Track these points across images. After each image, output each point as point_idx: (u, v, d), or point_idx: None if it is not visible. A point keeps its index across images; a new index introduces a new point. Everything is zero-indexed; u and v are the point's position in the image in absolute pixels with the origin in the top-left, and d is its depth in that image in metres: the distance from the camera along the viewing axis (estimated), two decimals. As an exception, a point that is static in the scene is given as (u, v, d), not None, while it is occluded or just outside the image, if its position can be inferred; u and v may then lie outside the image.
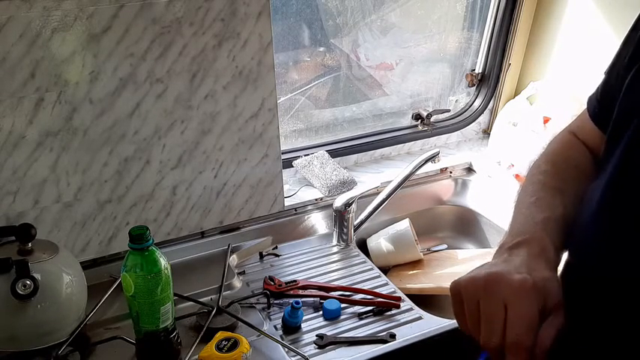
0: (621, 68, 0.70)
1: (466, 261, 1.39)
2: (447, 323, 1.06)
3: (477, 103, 1.73)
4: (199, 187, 1.24)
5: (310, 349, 1.03)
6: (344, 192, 1.38)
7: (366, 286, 1.20)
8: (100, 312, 1.08)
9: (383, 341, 1.04)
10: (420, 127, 1.66)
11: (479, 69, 1.71)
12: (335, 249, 1.34)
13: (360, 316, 1.11)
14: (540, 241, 0.65)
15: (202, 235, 1.30)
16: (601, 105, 0.77)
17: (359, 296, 1.16)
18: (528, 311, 0.57)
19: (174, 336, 0.98)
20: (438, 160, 1.50)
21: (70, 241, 1.15)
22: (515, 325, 0.57)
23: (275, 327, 1.08)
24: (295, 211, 1.39)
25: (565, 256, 0.69)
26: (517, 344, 0.56)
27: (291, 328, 1.07)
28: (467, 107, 1.74)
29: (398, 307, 1.13)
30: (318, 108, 1.56)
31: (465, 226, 1.55)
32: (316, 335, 1.05)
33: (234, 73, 1.18)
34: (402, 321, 1.10)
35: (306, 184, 1.45)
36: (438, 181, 1.56)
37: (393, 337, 1.05)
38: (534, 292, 0.58)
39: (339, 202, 1.31)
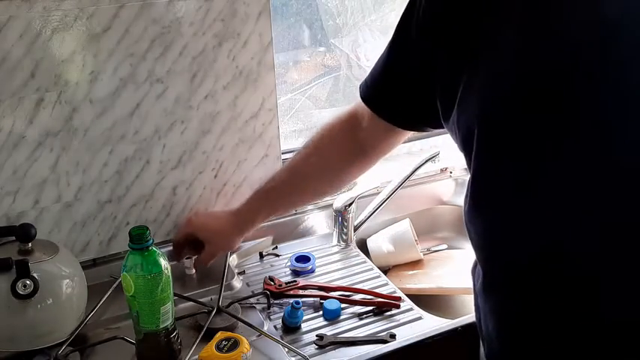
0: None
1: (466, 261, 1.39)
2: (447, 323, 1.06)
3: (477, 103, 1.73)
4: (199, 187, 1.24)
5: (310, 349, 1.03)
6: (344, 192, 1.38)
7: (366, 286, 1.20)
8: (100, 312, 1.08)
9: (383, 341, 1.04)
10: (420, 127, 1.66)
11: (479, 69, 1.70)
12: (335, 249, 1.34)
13: (360, 316, 1.11)
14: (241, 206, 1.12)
15: (202, 235, 1.30)
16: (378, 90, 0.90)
17: (359, 296, 1.16)
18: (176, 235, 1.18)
19: (175, 336, 0.98)
20: (438, 160, 1.50)
21: (70, 241, 1.15)
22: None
23: (275, 327, 1.08)
24: (295, 211, 1.39)
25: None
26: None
27: (291, 328, 1.07)
28: (467, 107, 1.74)
29: (398, 307, 1.13)
30: (318, 108, 1.56)
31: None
32: (316, 335, 1.05)
33: (234, 73, 1.18)
34: (402, 321, 1.10)
35: (306, 184, 1.44)
36: (438, 181, 1.56)
37: (393, 337, 1.05)
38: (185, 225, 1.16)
39: (339, 202, 1.31)
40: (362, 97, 0.93)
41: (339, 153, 1.02)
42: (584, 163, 0.62)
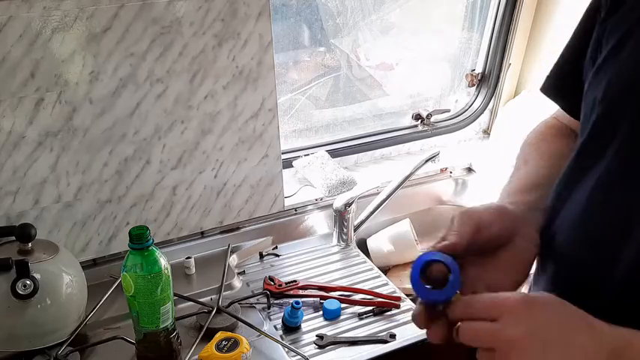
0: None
1: (466, 261, 1.39)
2: (447, 323, 1.06)
3: (477, 103, 1.73)
4: (199, 187, 1.24)
5: (310, 349, 1.03)
6: (344, 192, 1.38)
7: (366, 286, 1.20)
8: (100, 312, 1.08)
9: (383, 341, 1.04)
10: (420, 127, 1.66)
11: (479, 69, 1.71)
12: (335, 249, 1.34)
13: (360, 316, 1.11)
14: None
15: (202, 235, 1.30)
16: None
17: (359, 296, 1.16)
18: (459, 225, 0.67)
19: (175, 336, 0.98)
20: (438, 160, 1.51)
21: (70, 241, 1.15)
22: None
23: (275, 327, 1.08)
24: (295, 211, 1.39)
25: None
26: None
27: (291, 328, 1.07)
28: (467, 107, 1.74)
29: (398, 307, 1.13)
30: (318, 108, 1.56)
31: (465, 226, 1.54)
32: (316, 335, 1.05)
33: (234, 73, 1.18)
34: (402, 321, 1.10)
35: (306, 184, 1.45)
36: (438, 181, 1.56)
37: (393, 337, 1.05)
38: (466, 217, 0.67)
39: (339, 202, 1.31)
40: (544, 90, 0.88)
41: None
42: None
